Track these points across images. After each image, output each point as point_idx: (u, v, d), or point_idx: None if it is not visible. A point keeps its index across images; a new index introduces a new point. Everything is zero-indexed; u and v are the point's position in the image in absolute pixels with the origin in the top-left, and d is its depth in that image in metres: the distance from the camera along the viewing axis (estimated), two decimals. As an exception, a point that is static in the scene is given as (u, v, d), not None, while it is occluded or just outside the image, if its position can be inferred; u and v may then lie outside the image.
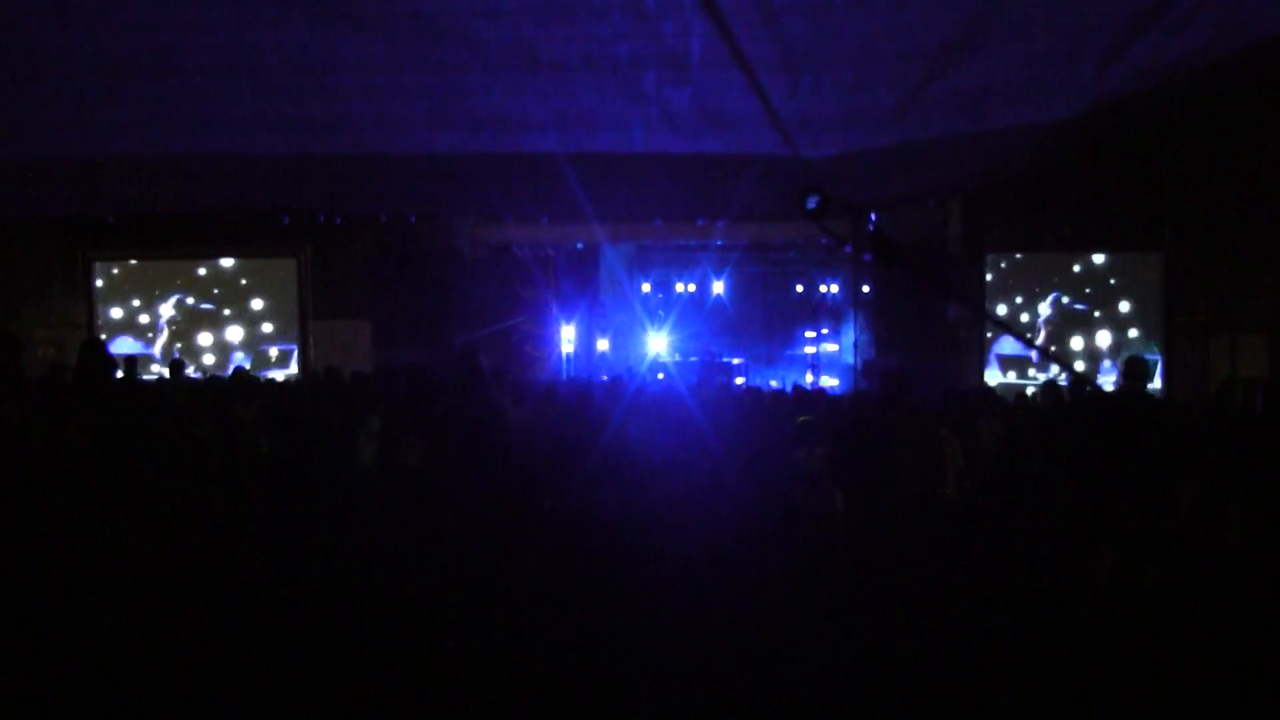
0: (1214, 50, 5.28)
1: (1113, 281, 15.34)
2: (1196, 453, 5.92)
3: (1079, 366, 14.46)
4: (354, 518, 5.91)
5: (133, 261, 15.44)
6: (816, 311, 18.79)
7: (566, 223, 15.54)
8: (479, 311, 15.70)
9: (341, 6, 4.85)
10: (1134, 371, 5.93)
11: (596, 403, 8.09)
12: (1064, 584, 5.61)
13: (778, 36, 5.11)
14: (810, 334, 19.13)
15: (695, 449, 7.66)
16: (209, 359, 15.58)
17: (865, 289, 15.83)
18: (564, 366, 16.60)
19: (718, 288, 19.46)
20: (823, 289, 18.61)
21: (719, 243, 17.18)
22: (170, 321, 15.48)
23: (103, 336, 14.44)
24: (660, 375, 16.63)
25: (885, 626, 4.96)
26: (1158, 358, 13.51)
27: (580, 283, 17.16)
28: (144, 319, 15.76)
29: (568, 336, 16.93)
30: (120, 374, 7.35)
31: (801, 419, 6.91)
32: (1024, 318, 15.71)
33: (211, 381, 9.40)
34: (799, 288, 19.46)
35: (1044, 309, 14.87)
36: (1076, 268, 15.54)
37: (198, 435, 6.30)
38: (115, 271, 15.56)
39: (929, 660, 4.54)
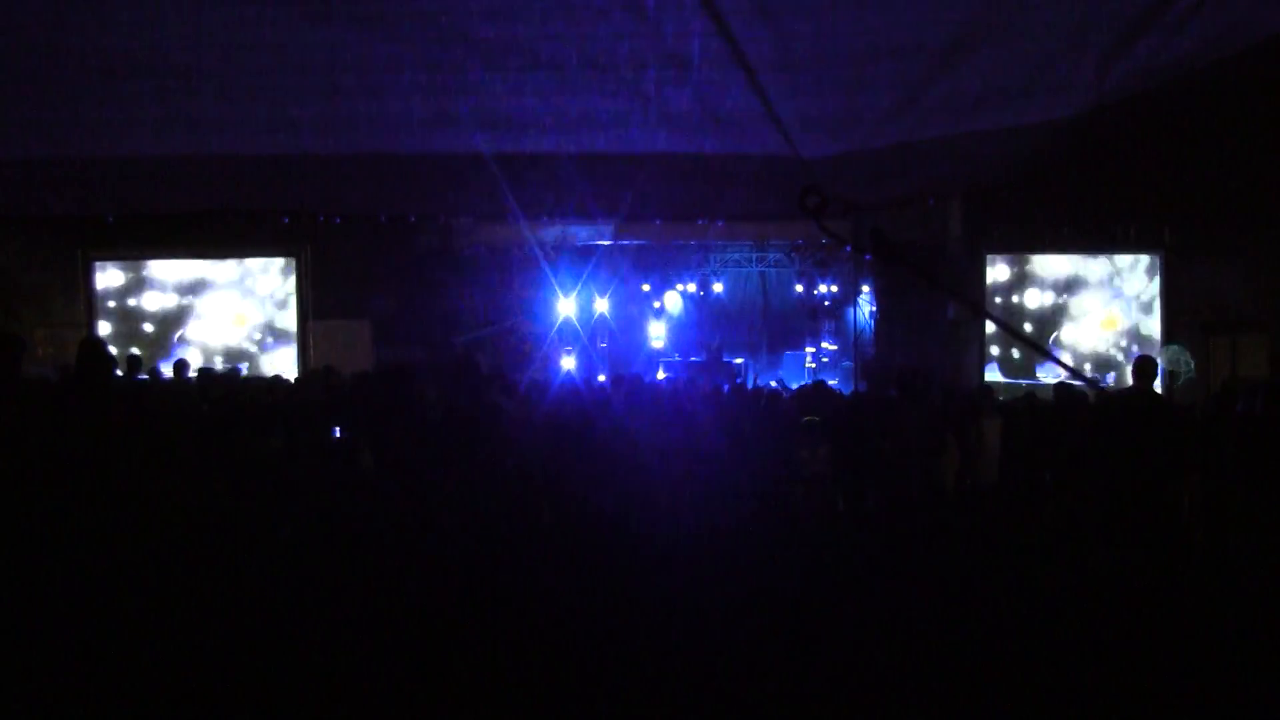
0: (1214, 50, 5.29)
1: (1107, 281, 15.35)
2: (1197, 452, 5.91)
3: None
4: (352, 516, 5.91)
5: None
6: (816, 311, 18.78)
7: (566, 222, 15.55)
8: (479, 311, 15.69)
9: (341, 6, 4.86)
10: (1145, 370, 5.94)
11: (595, 402, 8.08)
12: (1065, 582, 5.61)
13: (778, 36, 5.11)
14: (810, 334, 19.12)
15: (695, 448, 7.66)
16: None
17: (865, 289, 15.82)
18: (563, 366, 16.59)
19: (718, 288, 19.44)
20: (823, 289, 18.60)
21: (719, 243, 17.17)
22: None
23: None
24: (661, 374, 16.62)
25: (886, 626, 4.96)
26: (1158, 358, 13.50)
27: (580, 283, 17.14)
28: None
29: (567, 337, 16.93)
30: (120, 373, 7.34)
31: (806, 419, 6.90)
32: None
33: (215, 380, 9.37)
34: (799, 288, 19.44)
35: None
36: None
37: (199, 434, 6.30)
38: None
39: (930, 659, 4.54)
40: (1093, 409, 7.13)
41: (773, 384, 16.36)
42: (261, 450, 6.70)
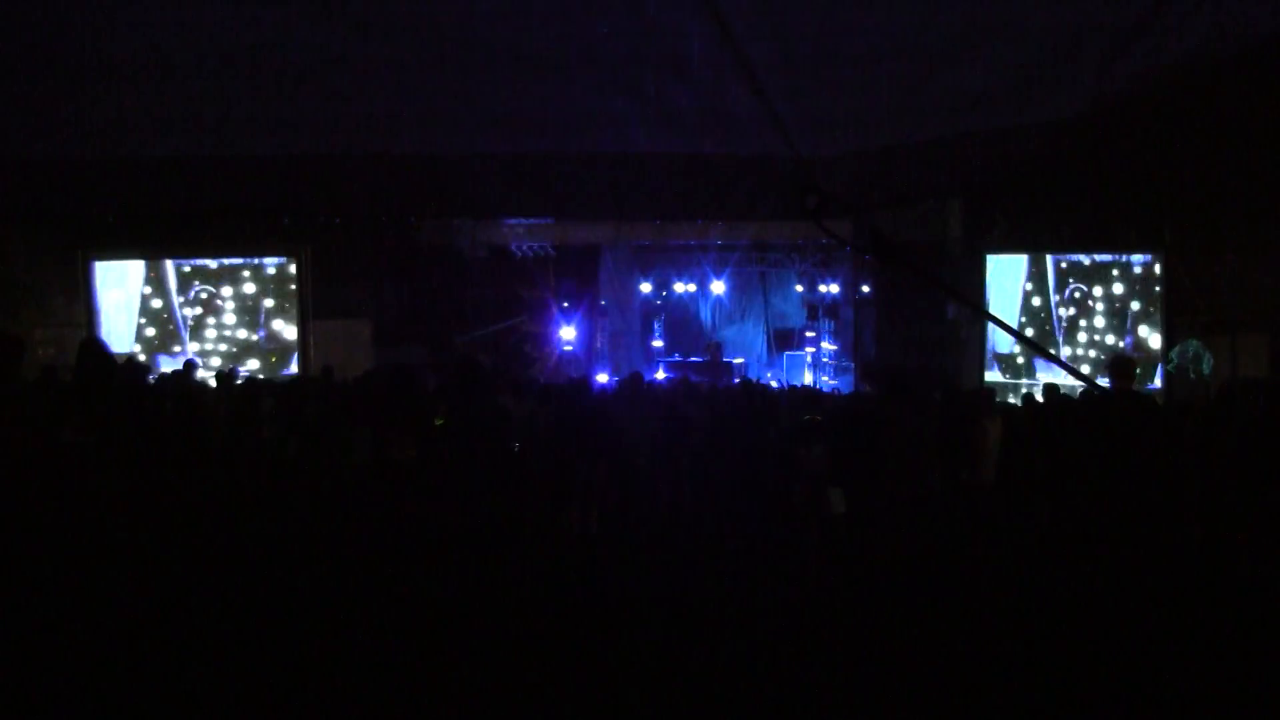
0: (1214, 50, 5.30)
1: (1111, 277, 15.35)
2: (1197, 453, 5.91)
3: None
4: (353, 518, 5.91)
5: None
6: (816, 311, 18.80)
7: (567, 222, 15.57)
8: (479, 311, 15.69)
9: (343, 8, 4.87)
10: (1122, 371, 5.89)
11: (596, 402, 8.09)
12: (1064, 583, 5.61)
13: (778, 36, 5.12)
14: (810, 334, 19.13)
15: (695, 448, 7.66)
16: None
17: (865, 289, 15.83)
18: (563, 366, 16.60)
19: (718, 288, 19.44)
20: (823, 289, 18.62)
21: (719, 243, 17.19)
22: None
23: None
24: (660, 374, 16.63)
25: (886, 626, 4.96)
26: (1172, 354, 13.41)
27: (580, 283, 17.15)
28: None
29: (568, 336, 16.94)
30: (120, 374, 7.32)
31: (805, 418, 6.90)
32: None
33: (220, 381, 9.37)
34: (799, 288, 19.45)
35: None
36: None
37: (200, 433, 6.30)
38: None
39: (930, 659, 4.55)
40: (1090, 409, 7.13)
41: (772, 383, 16.38)
42: (276, 451, 6.70)
